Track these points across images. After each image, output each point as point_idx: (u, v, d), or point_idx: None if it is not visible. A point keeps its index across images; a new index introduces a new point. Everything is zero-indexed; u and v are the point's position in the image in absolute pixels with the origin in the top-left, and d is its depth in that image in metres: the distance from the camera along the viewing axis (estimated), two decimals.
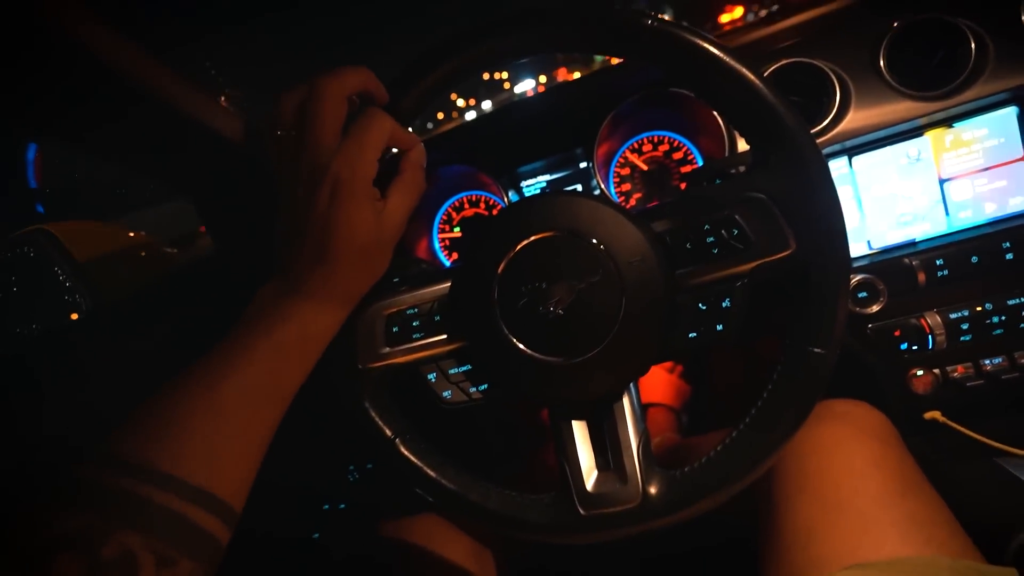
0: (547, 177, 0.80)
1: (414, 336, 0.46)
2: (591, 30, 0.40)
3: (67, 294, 0.78)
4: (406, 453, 0.46)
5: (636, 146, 0.76)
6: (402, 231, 0.43)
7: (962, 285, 0.59)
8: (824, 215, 0.38)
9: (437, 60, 0.42)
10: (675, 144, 0.75)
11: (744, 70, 0.38)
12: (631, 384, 0.45)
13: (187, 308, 0.73)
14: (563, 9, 0.40)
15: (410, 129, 0.45)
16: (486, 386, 0.47)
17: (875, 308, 0.60)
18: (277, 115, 0.40)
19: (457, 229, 0.83)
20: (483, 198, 0.81)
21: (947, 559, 0.40)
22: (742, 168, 0.53)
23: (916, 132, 0.61)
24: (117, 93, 0.57)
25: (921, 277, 0.59)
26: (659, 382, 1.05)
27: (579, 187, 0.79)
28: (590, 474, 0.44)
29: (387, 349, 0.46)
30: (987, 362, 0.60)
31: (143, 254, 1.02)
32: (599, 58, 0.52)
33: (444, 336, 0.46)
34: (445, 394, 0.47)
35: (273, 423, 0.40)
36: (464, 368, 0.47)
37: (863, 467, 0.47)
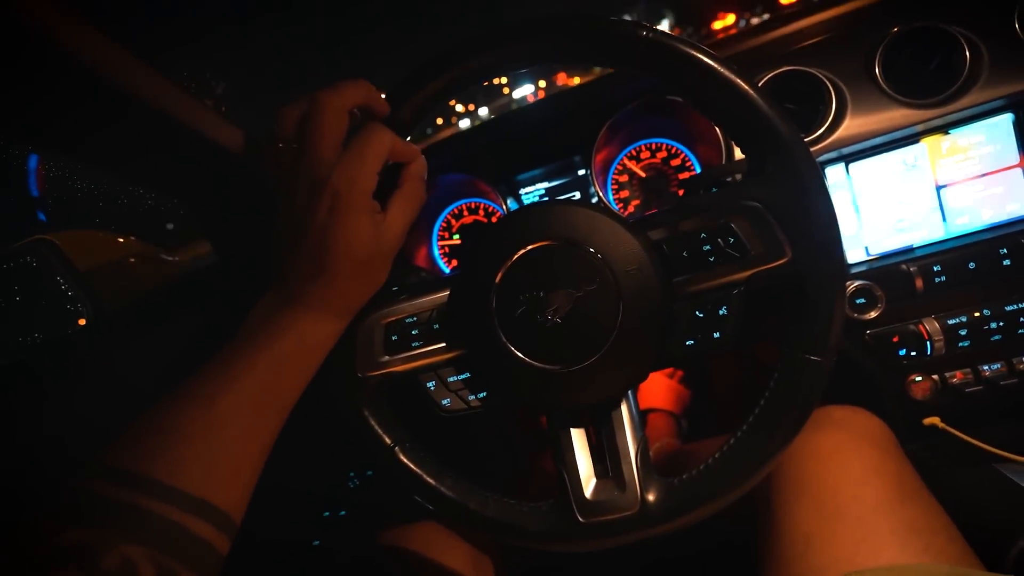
0: (545, 184, 0.80)
1: (413, 344, 0.46)
2: (586, 41, 0.40)
3: (69, 303, 0.79)
4: (405, 461, 0.46)
5: (634, 153, 0.76)
6: (401, 243, 0.43)
7: (960, 291, 0.59)
8: (819, 223, 0.38)
9: (433, 72, 0.42)
10: (673, 151, 0.75)
11: (738, 80, 0.38)
12: (629, 392, 0.45)
13: (187, 317, 0.73)
14: (558, 20, 0.40)
15: (408, 139, 0.45)
16: (485, 394, 0.47)
17: (873, 314, 0.60)
18: (278, 128, 0.41)
19: (456, 236, 0.83)
20: (482, 205, 0.81)
21: (945, 566, 0.40)
22: (739, 176, 0.53)
23: (912, 139, 0.61)
24: (113, 102, 0.57)
25: (919, 283, 0.59)
26: (659, 387, 1.05)
27: (577, 194, 0.79)
28: (588, 481, 0.44)
29: (386, 358, 0.46)
30: (986, 368, 0.60)
31: (143, 263, 1.02)
32: (598, 67, 0.53)
33: (443, 344, 0.46)
34: (444, 402, 0.47)
35: (272, 434, 0.40)
36: (463, 376, 0.47)
37: (861, 474, 0.47)
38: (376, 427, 0.47)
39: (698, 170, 0.74)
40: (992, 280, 0.59)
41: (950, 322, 0.59)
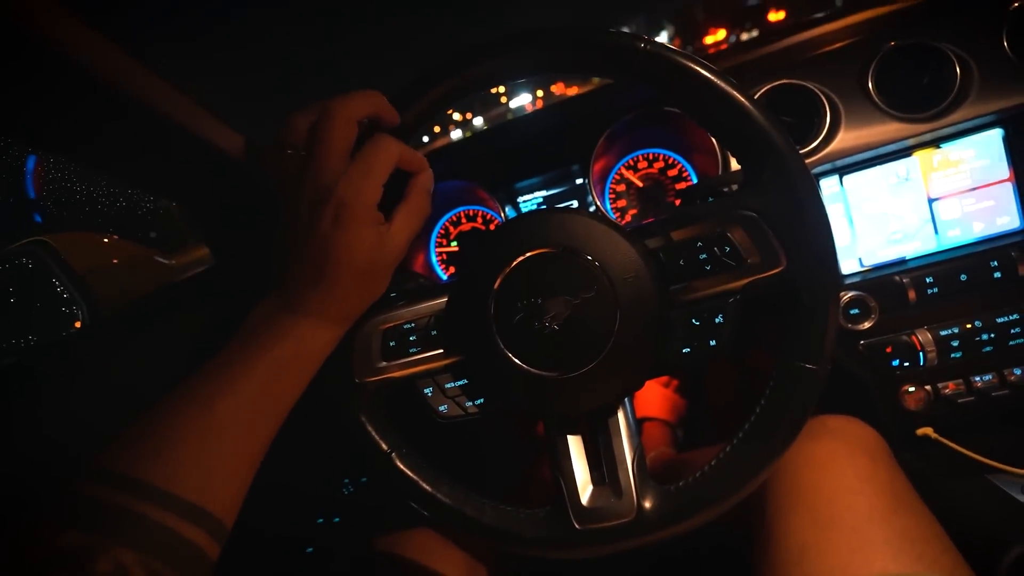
0: (543, 193, 0.81)
1: (411, 351, 0.46)
2: (586, 52, 0.41)
3: (65, 305, 0.79)
4: (402, 467, 0.46)
5: (631, 163, 0.77)
6: (403, 255, 0.43)
7: (952, 302, 0.60)
8: (813, 233, 0.39)
9: (436, 80, 0.43)
10: (670, 161, 0.76)
11: (734, 92, 0.39)
12: (626, 399, 0.45)
13: (183, 320, 0.73)
14: (559, 31, 0.41)
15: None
16: (482, 400, 0.47)
17: (867, 324, 0.60)
18: (287, 134, 0.41)
19: (454, 243, 0.83)
20: (480, 212, 0.82)
21: None
22: (735, 186, 0.54)
23: (905, 152, 0.62)
24: (111, 104, 0.57)
25: (912, 294, 0.60)
26: (655, 396, 1.06)
27: (575, 203, 0.80)
28: (585, 488, 0.44)
29: (384, 363, 0.47)
30: (978, 379, 0.61)
31: (140, 265, 1.02)
32: (597, 78, 0.54)
33: (441, 351, 0.46)
34: (441, 408, 0.47)
35: (267, 440, 0.40)
36: (460, 382, 0.47)
37: (855, 483, 0.47)
38: (373, 433, 0.47)
39: (694, 180, 0.75)
40: (983, 292, 0.59)
41: (942, 333, 0.60)
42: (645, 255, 0.41)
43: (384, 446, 0.47)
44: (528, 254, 0.42)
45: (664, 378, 1.08)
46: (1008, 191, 0.61)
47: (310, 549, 0.81)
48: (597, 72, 0.43)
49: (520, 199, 0.81)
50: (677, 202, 0.75)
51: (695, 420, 1.06)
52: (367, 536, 0.60)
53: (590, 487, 0.45)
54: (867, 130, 0.61)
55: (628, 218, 0.78)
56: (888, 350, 0.61)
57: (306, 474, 0.78)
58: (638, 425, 0.46)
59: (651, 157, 0.76)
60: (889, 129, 0.60)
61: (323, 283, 0.40)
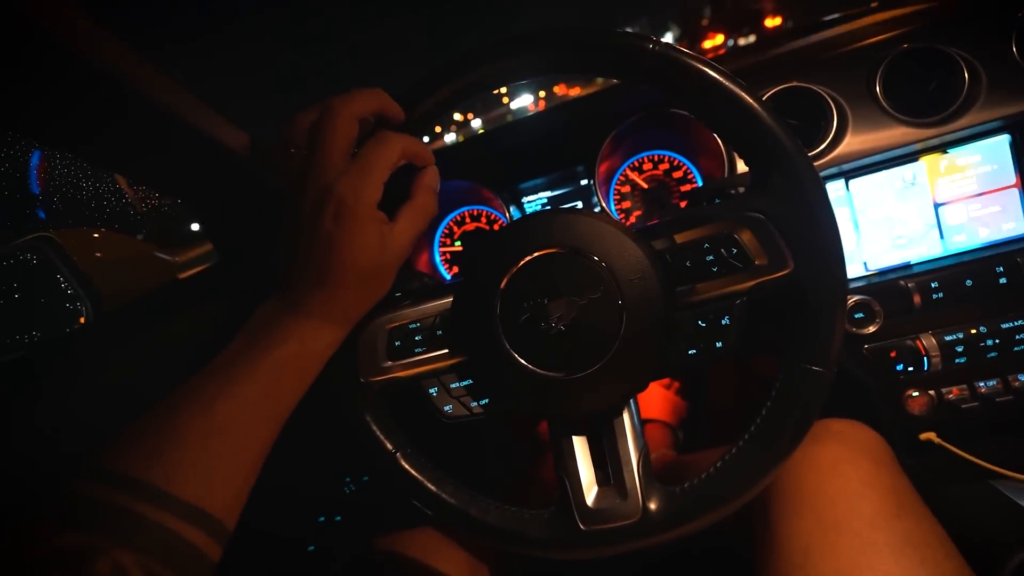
0: (548, 193, 0.81)
1: (416, 350, 0.46)
2: (594, 53, 0.41)
3: (69, 301, 0.79)
4: (406, 467, 0.47)
5: (637, 164, 0.77)
6: (407, 254, 0.43)
7: (957, 308, 0.60)
8: (821, 236, 0.39)
9: (439, 81, 0.43)
10: (675, 163, 0.76)
11: (744, 94, 0.39)
12: (631, 400, 0.45)
13: (187, 318, 0.73)
14: (567, 32, 0.41)
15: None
16: (487, 401, 0.47)
17: (871, 329, 0.60)
18: (290, 132, 0.41)
19: (458, 243, 0.83)
20: (484, 213, 0.82)
21: None
22: (741, 188, 0.54)
23: (911, 157, 0.62)
24: (118, 101, 0.58)
25: (916, 299, 0.59)
26: (656, 398, 1.05)
27: (580, 204, 0.80)
28: (590, 489, 0.45)
29: (389, 363, 0.47)
30: (982, 384, 0.60)
31: (145, 262, 1.02)
32: (601, 79, 0.54)
33: (446, 351, 0.46)
34: (446, 408, 0.47)
35: (268, 441, 0.40)
36: (465, 383, 0.47)
37: (859, 487, 0.47)
38: (378, 432, 0.47)
39: (699, 182, 0.75)
40: (988, 298, 0.59)
41: (947, 338, 0.60)
42: (651, 256, 0.41)
43: (389, 446, 0.47)
44: (535, 254, 0.42)
45: (665, 380, 1.08)
46: (1015, 197, 0.61)
47: (311, 548, 0.81)
48: (605, 73, 0.43)
49: (524, 199, 0.81)
50: (682, 204, 0.75)
51: (696, 423, 1.06)
52: (368, 535, 0.60)
53: (595, 488, 0.45)
54: (874, 134, 0.61)
55: (633, 219, 0.78)
56: (892, 355, 0.61)
57: (307, 473, 0.78)
58: (642, 423, 0.46)
59: (656, 159, 0.76)
60: (896, 133, 0.60)
61: (325, 284, 0.40)
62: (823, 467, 0.49)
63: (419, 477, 0.46)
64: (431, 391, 0.47)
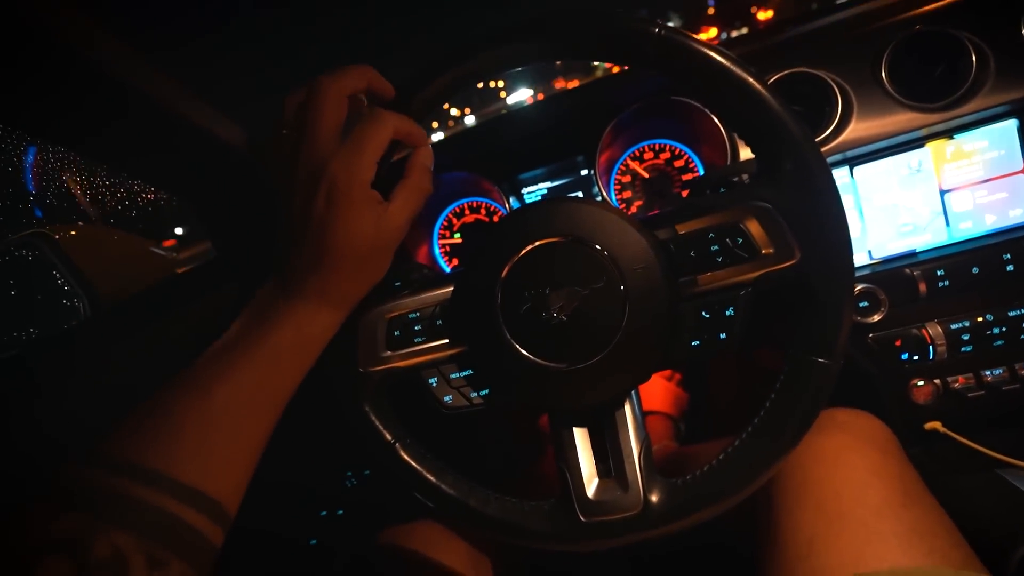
0: (548, 184, 0.80)
1: (416, 340, 0.46)
2: (599, 37, 0.40)
3: (65, 298, 0.78)
4: (406, 458, 0.46)
5: (637, 154, 0.76)
6: (403, 235, 0.42)
7: (963, 296, 0.59)
8: (830, 226, 0.38)
9: (442, 68, 0.42)
10: (676, 152, 0.75)
11: (752, 80, 0.38)
12: (633, 391, 0.44)
13: (184, 313, 0.73)
14: (572, 16, 0.40)
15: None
16: (487, 391, 0.47)
17: (876, 318, 0.60)
18: (282, 115, 0.40)
19: (457, 235, 0.83)
20: (484, 204, 0.81)
21: (950, 570, 0.40)
22: (745, 176, 0.53)
23: (917, 143, 0.61)
24: (115, 97, 0.57)
25: (922, 287, 0.59)
26: (657, 390, 1.05)
27: (580, 194, 0.79)
28: (591, 481, 0.44)
29: (388, 353, 0.46)
30: (988, 373, 0.60)
31: (141, 258, 1.01)
32: (600, 68, 0.53)
33: (446, 340, 0.45)
34: (446, 399, 0.47)
35: (268, 426, 0.39)
36: (465, 373, 0.46)
37: (864, 477, 0.46)
38: (377, 423, 0.46)
39: (701, 172, 0.74)
40: (995, 285, 0.59)
41: (953, 327, 0.59)
42: (655, 246, 0.41)
43: (388, 436, 0.46)
44: (536, 243, 0.41)
45: (667, 371, 1.07)
46: (1021, 183, 0.60)
47: (313, 541, 0.81)
48: (609, 59, 0.42)
49: (524, 190, 0.80)
50: (684, 193, 0.74)
51: (697, 414, 1.05)
52: (370, 529, 0.59)
53: (596, 480, 0.44)
54: (879, 120, 0.60)
55: (634, 209, 0.77)
56: (897, 343, 0.61)
57: (309, 467, 0.78)
58: (644, 415, 0.45)
59: (657, 148, 0.75)
60: (902, 119, 0.59)
61: (320, 267, 0.39)
62: (828, 457, 0.48)
63: (418, 468, 0.46)
64: (431, 381, 0.47)
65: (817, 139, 0.61)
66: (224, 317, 0.42)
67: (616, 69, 0.73)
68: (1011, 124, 0.60)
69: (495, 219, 0.81)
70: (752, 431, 0.40)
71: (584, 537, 0.43)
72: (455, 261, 0.83)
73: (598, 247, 0.40)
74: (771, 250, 0.39)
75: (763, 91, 0.38)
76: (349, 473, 0.81)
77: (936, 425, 0.61)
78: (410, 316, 0.46)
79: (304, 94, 0.39)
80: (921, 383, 0.61)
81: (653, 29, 0.38)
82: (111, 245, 1.00)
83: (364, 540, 0.59)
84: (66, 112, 0.59)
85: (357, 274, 0.41)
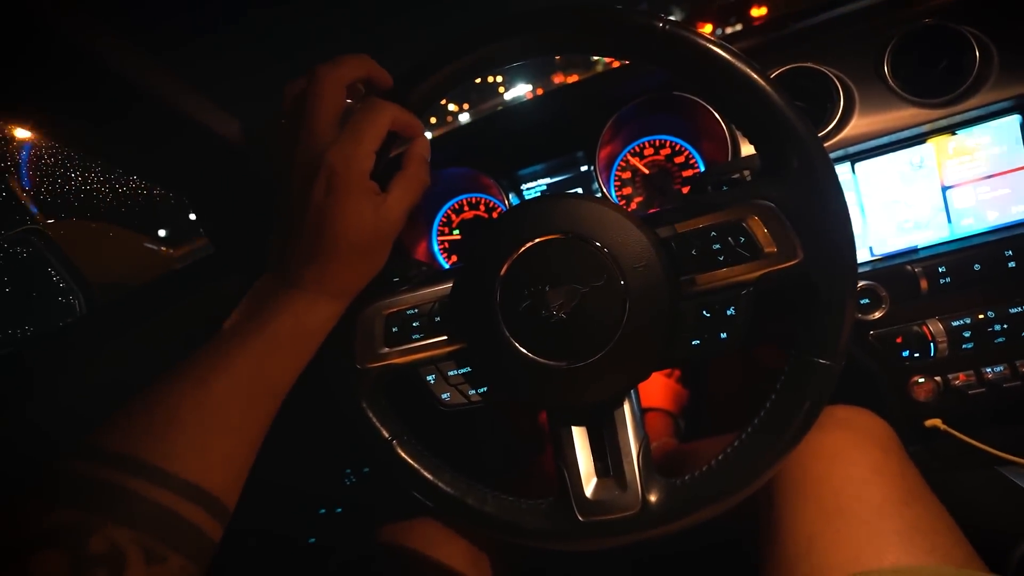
0: (548, 180, 0.79)
1: (414, 337, 0.45)
2: (601, 31, 0.39)
3: (61, 295, 0.78)
4: (403, 455, 0.46)
5: (638, 150, 0.76)
6: (401, 226, 0.42)
7: (964, 293, 0.59)
8: (833, 225, 0.38)
9: (446, 57, 0.41)
10: (677, 148, 0.74)
11: (756, 76, 0.37)
12: (632, 390, 0.44)
13: (181, 308, 0.72)
14: (575, 9, 0.39)
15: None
16: (485, 389, 0.46)
17: (877, 315, 0.59)
18: (282, 105, 0.40)
19: (456, 231, 0.82)
20: (483, 200, 0.81)
21: (951, 568, 0.40)
22: (746, 173, 0.53)
23: (919, 139, 0.61)
24: (115, 93, 0.57)
25: (923, 284, 0.58)
26: (657, 387, 1.05)
27: (580, 190, 0.79)
28: (589, 480, 0.44)
29: (386, 349, 0.46)
30: (989, 370, 0.60)
31: (137, 253, 1.01)
32: (600, 63, 0.52)
33: (444, 337, 0.45)
34: (444, 396, 0.47)
35: (266, 419, 0.39)
36: (464, 370, 0.46)
37: (865, 475, 0.46)
38: (374, 420, 0.46)
39: (702, 168, 0.74)
40: (996, 282, 0.58)
41: (954, 324, 0.59)
42: (656, 244, 0.40)
43: (385, 433, 0.46)
44: (536, 240, 0.41)
45: (667, 368, 1.07)
46: None
47: (312, 540, 0.81)
48: (612, 53, 0.41)
49: (524, 186, 0.80)
50: (684, 189, 0.74)
51: (698, 411, 1.05)
52: (369, 527, 0.59)
53: (594, 479, 0.44)
54: (882, 115, 0.59)
55: (634, 206, 0.76)
56: (898, 340, 0.60)
57: (308, 465, 0.78)
58: (643, 414, 0.45)
59: (658, 144, 0.75)
60: (904, 115, 0.59)
61: (319, 257, 0.39)
62: (829, 454, 0.48)
63: (416, 465, 0.45)
64: (429, 378, 0.46)
65: (819, 135, 0.60)
66: (222, 312, 0.41)
67: (616, 64, 0.73)
68: (1014, 120, 0.59)
69: (494, 215, 0.81)
70: (752, 431, 0.40)
71: (582, 536, 0.43)
72: (454, 257, 0.83)
73: (598, 244, 0.40)
74: (773, 249, 0.38)
75: (768, 87, 0.37)
76: (348, 471, 0.81)
77: (937, 422, 0.61)
78: (408, 312, 0.46)
79: (303, 83, 0.39)
80: (922, 380, 0.61)
81: (657, 24, 0.38)
82: (107, 241, 1.00)
83: (363, 538, 0.59)
84: (64, 108, 0.59)
85: (355, 264, 0.41)
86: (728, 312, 0.40)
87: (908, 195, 0.62)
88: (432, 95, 0.43)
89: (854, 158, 0.62)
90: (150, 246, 1.05)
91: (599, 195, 0.72)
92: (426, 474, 0.46)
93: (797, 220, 0.38)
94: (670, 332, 0.41)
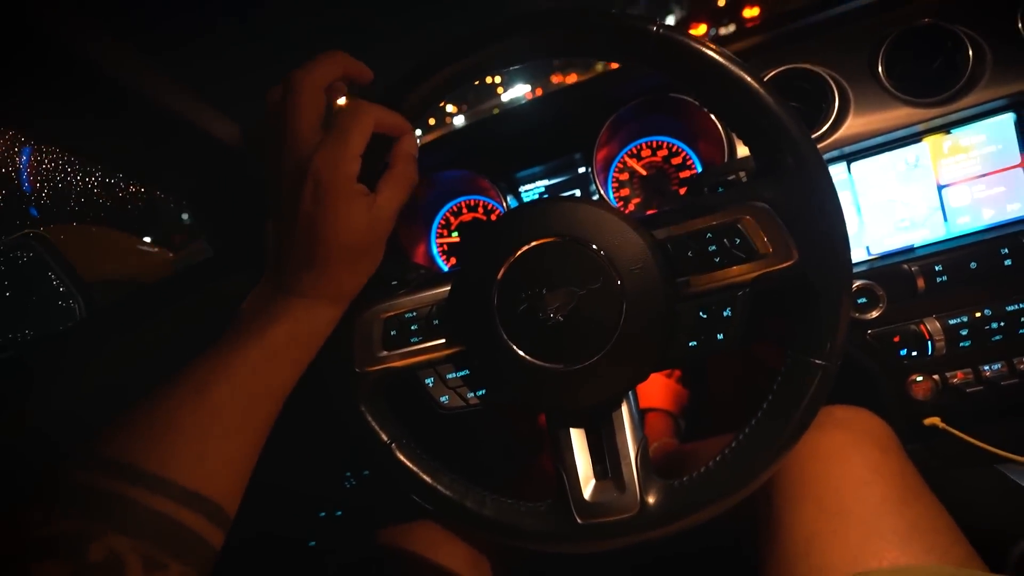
0: (545, 182, 0.79)
1: (412, 340, 0.46)
2: (597, 36, 0.39)
3: (61, 298, 0.78)
4: (402, 459, 0.46)
5: (635, 151, 0.76)
6: (393, 225, 0.42)
7: (961, 291, 0.59)
8: (827, 227, 0.38)
9: (442, 61, 0.42)
10: (674, 149, 0.75)
11: (750, 79, 0.37)
12: (630, 392, 0.44)
13: (181, 312, 0.73)
14: (570, 14, 0.39)
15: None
16: (484, 392, 0.46)
17: (874, 314, 0.59)
18: (266, 111, 0.40)
19: (455, 234, 0.82)
20: (481, 203, 0.81)
21: (950, 567, 0.40)
22: (742, 174, 0.53)
23: (914, 138, 0.61)
24: (112, 97, 0.57)
25: (920, 283, 0.59)
26: (657, 387, 1.05)
27: (577, 192, 0.79)
28: (587, 482, 0.44)
29: (384, 353, 0.46)
30: (987, 368, 0.60)
31: (137, 257, 1.01)
32: (600, 65, 0.52)
33: (442, 340, 0.45)
34: (442, 399, 0.47)
35: (265, 425, 0.39)
36: (462, 373, 0.46)
37: (864, 474, 0.46)
38: (373, 423, 0.46)
39: (699, 169, 0.74)
40: (993, 280, 0.58)
41: (951, 322, 0.59)
42: (653, 246, 0.40)
43: (384, 437, 0.46)
44: (534, 243, 0.41)
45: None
46: (1019, 177, 0.60)
47: (312, 542, 0.81)
48: (608, 57, 0.41)
49: (522, 188, 0.80)
50: (682, 191, 0.74)
51: (697, 410, 1.05)
52: (369, 530, 0.59)
53: (592, 481, 0.44)
54: (877, 115, 0.59)
55: (631, 207, 0.76)
56: (896, 339, 0.61)
57: (307, 468, 0.78)
58: (641, 417, 0.45)
59: (655, 145, 0.75)
60: (899, 114, 0.59)
61: (314, 264, 0.39)
62: (827, 454, 0.48)
63: (414, 469, 0.46)
64: (427, 382, 0.46)
65: (814, 135, 0.60)
66: (221, 314, 0.41)
67: (614, 65, 0.73)
68: (1008, 118, 0.59)
69: (493, 217, 0.81)
70: (749, 433, 0.40)
71: (580, 539, 0.43)
72: (453, 260, 0.83)
73: (595, 247, 0.40)
74: (769, 251, 0.39)
75: (761, 89, 0.37)
76: (348, 474, 0.81)
77: (935, 421, 0.61)
78: (406, 316, 0.46)
79: (281, 91, 0.38)
80: (920, 379, 0.61)
81: (651, 27, 0.38)
82: (106, 244, 1.00)
83: (363, 541, 0.59)
84: (61, 110, 0.59)
85: (350, 268, 0.41)
86: (725, 313, 0.40)
87: (904, 194, 0.62)
88: (428, 100, 0.43)
89: (850, 158, 0.63)
90: (149, 249, 1.05)
91: (596, 196, 0.72)
92: (425, 477, 0.46)
93: (792, 221, 0.38)
94: (667, 334, 0.41)
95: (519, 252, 0.41)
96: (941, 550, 0.41)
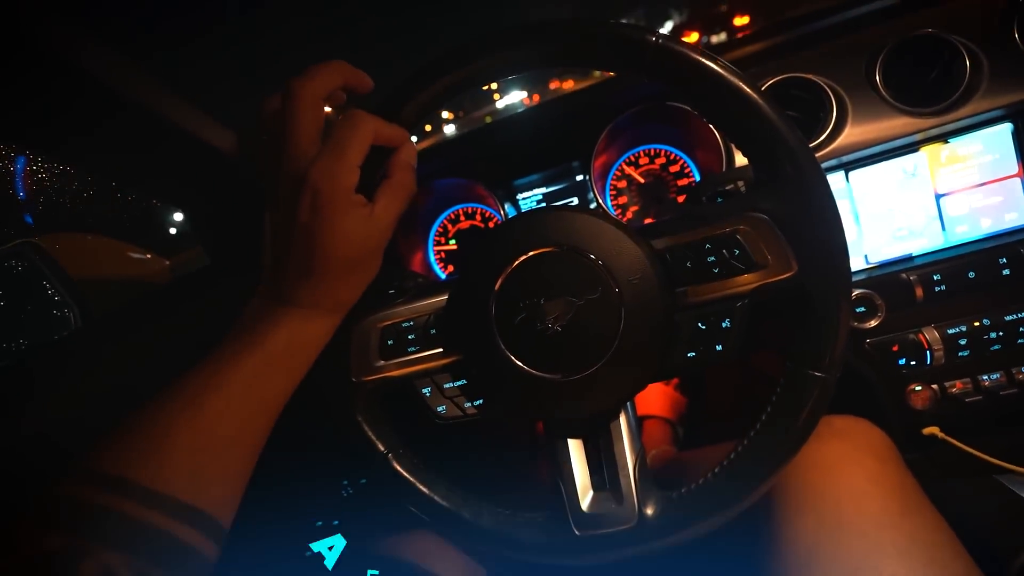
0: (543, 190, 0.79)
1: (409, 349, 0.45)
2: (594, 46, 0.39)
3: (56, 308, 0.77)
4: (399, 469, 0.45)
5: (633, 159, 0.76)
6: (391, 235, 0.41)
7: (960, 300, 0.59)
8: (827, 237, 0.38)
9: (439, 71, 0.41)
10: (672, 158, 0.75)
11: (746, 88, 0.37)
12: (628, 402, 0.44)
13: (179, 321, 0.72)
14: (568, 24, 0.39)
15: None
16: (481, 402, 0.46)
17: (873, 323, 0.59)
18: (262, 120, 0.40)
19: (452, 242, 0.82)
20: (479, 210, 0.81)
21: None
22: (740, 183, 0.53)
23: (912, 147, 0.61)
24: (104, 105, 0.56)
25: (919, 292, 0.59)
26: (655, 395, 1.05)
27: (575, 200, 0.79)
28: (585, 493, 0.43)
29: (381, 362, 0.45)
30: (985, 378, 0.60)
31: (133, 266, 1.01)
32: (598, 72, 0.52)
33: (440, 350, 0.45)
34: (440, 409, 0.46)
35: (261, 435, 0.39)
36: (459, 383, 0.46)
37: (863, 486, 0.46)
38: (370, 433, 0.46)
39: (697, 177, 0.74)
40: (992, 289, 0.58)
41: (950, 331, 0.59)
42: (651, 256, 0.40)
43: (381, 447, 0.46)
44: (531, 253, 0.41)
45: None
46: (1017, 186, 0.60)
47: (309, 553, 0.80)
48: (605, 67, 0.41)
49: (519, 196, 0.80)
50: (680, 199, 0.74)
51: (696, 418, 1.05)
52: (366, 539, 0.59)
53: (590, 492, 0.44)
54: (874, 125, 0.59)
55: (629, 215, 0.76)
56: (894, 349, 0.60)
57: (304, 477, 0.77)
58: (639, 426, 0.45)
59: (653, 153, 0.75)
60: (897, 124, 0.59)
61: (311, 275, 0.39)
62: (827, 466, 0.48)
63: (411, 479, 0.45)
64: (424, 391, 0.46)
65: (812, 144, 0.61)
66: (218, 321, 0.41)
67: (612, 73, 0.73)
68: (1005, 128, 0.60)
69: (490, 225, 0.81)
70: (747, 444, 0.40)
71: (578, 551, 0.43)
72: (450, 268, 0.83)
73: (593, 257, 0.40)
74: (767, 262, 0.38)
75: (758, 99, 0.37)
76: (345, 483, 0.81)
77: (934, 430, 0.61)
78: (403, 325, 0.45)
79: (279, 100, 0.38)
80: (919, 388, 0.60)
81: (649, 38, 0.38)
82: (102, 252, 1.00)
83: (360, 550, 0.59)
84: (55, 119, 0.58)
85: (348, 278, 0.41)
86: (724, 324, 0.40)
87: (902, 203, 0.62)
88: (426, 109, 0.42)
89: (848, 167, 0.63)
90: (145, 257, 1.05)
91: (594, 204, 0.72)
92: (421, 488, 0.45)
93: (790, 232, 0.38)
94: (666, 344, 0.41)
95: (517, 262, 0.41)
96: (940, 563, 0.41)
